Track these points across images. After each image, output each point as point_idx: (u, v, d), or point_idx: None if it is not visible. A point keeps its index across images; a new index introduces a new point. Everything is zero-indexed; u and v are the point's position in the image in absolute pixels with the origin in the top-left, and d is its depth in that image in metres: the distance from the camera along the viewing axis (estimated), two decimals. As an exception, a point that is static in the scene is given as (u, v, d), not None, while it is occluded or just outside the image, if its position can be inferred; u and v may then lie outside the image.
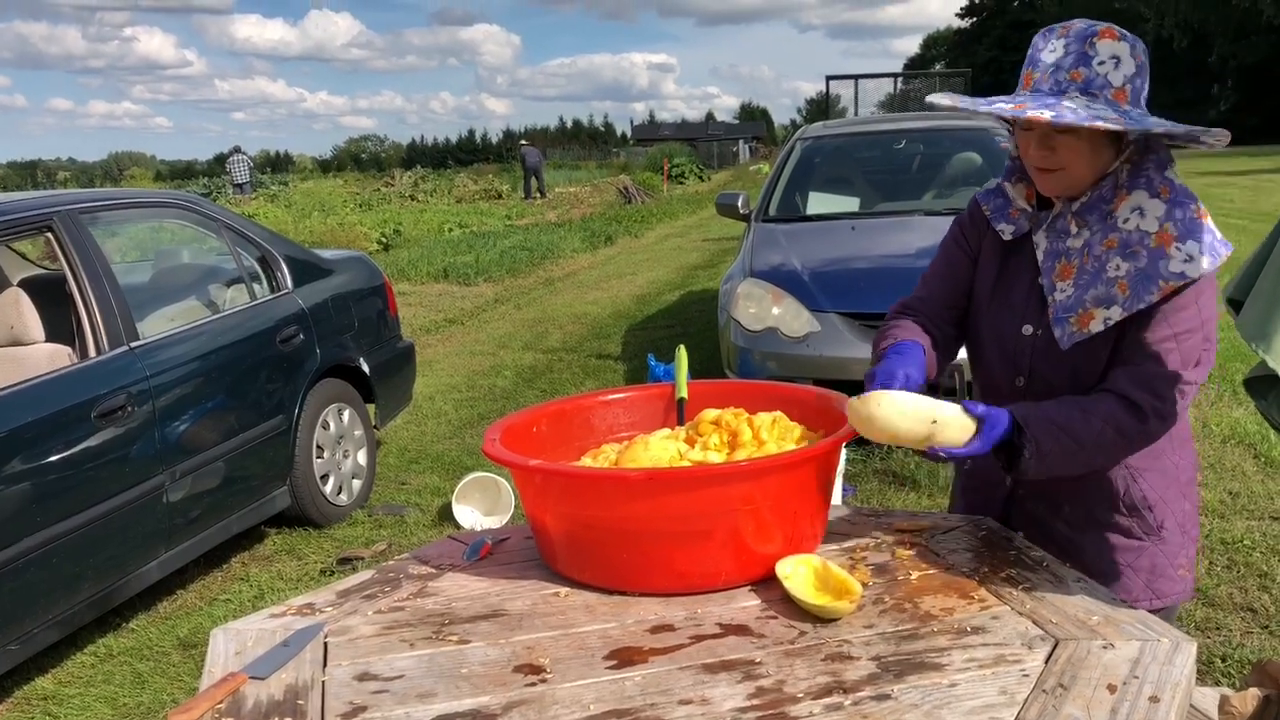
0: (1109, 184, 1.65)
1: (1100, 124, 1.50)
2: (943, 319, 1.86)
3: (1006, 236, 1.77)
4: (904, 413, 1.51)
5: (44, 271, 4.54)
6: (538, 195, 26.44)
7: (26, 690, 3.39)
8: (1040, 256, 1.73)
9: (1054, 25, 1.64)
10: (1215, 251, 1.59)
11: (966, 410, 1.56)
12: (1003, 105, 1.58)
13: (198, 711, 1.30)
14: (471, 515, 4.62)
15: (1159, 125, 1.53)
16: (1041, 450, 1.58)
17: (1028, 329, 1.74)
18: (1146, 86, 1.61)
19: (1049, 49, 1.60)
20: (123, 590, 3.57)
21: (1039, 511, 1.81)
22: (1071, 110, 1.52)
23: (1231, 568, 3.66)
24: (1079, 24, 1.60)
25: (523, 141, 30.86)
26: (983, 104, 1.59)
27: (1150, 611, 1.68)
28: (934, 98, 1.71)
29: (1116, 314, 1.62)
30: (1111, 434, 1.60)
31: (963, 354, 1.90)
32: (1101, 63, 1.56)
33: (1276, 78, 46.75)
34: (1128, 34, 1.59)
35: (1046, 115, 1.51)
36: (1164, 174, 1.64)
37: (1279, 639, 3.18)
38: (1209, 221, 1.61)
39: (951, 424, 1.53)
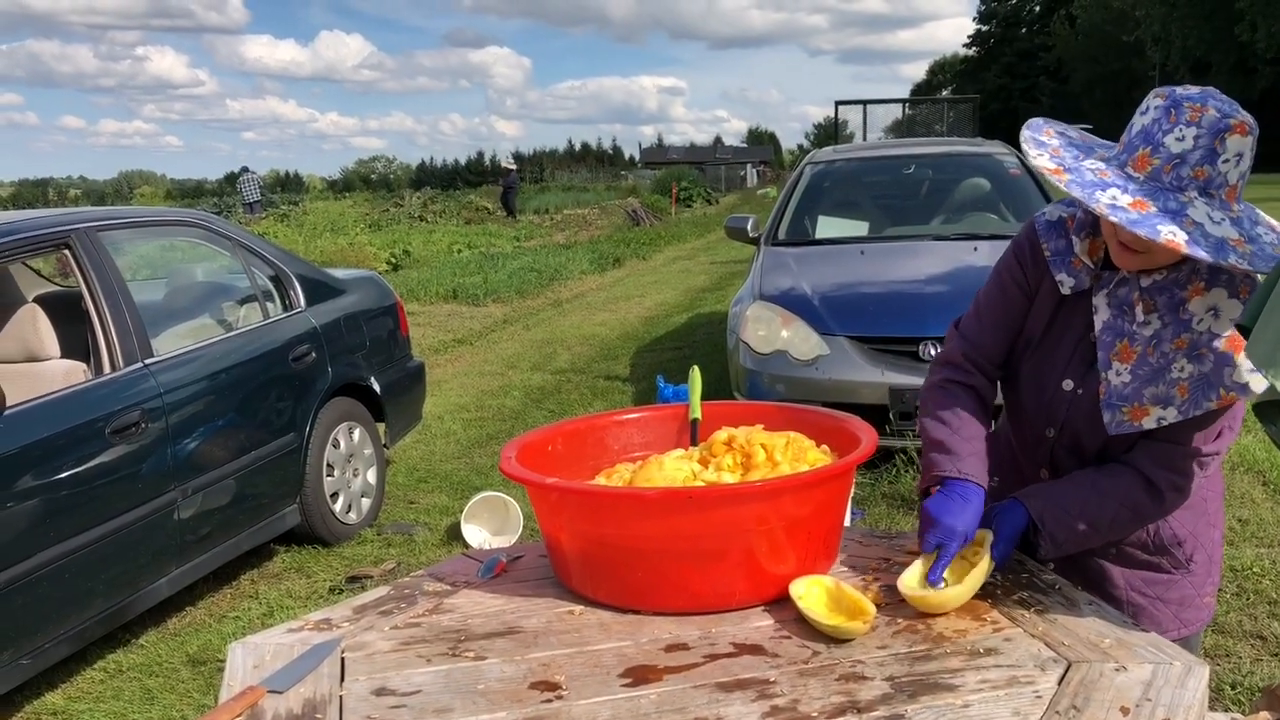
0: (1186, 270, 1.56)
1: (1235, 264, 1.40)
2: (997, 376, 1.82)
3: (1064, 290, 1.66)
4: (963, 596, 1.55)
5: (59, 288, 4.58)
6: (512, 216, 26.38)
7: (36, 705, 3.40)
8: (1098, 325, 1.64)
9: (1178, 97, 1.47)
10: None
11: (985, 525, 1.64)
12: (1120, 196, 1.45)
13: (217, 724, 1.32)
14: (480, 535, 4.63)
15: None
16: (1056, 540, 1.64)
17: (1068, 384, 1.70)
18: None
19: (1176, 135, 1.45)
20: (133, 606, 3.59)
21: None
22: (1200, 232, 1.42)
23: (1241, 595, 3.66)
24: (1211, 110, 1.44)
25: (512, 165, 30.53)
26: (1098, 192, 1.46)
27: (1177, 638, 1.69)
28: (1035, 155, 1.53)
29: (1171, 415, 1.58)
30: (1128, 515, 1.64)
31: None
32: (1226, 160, 1.45)
33: (1280, 106, 46.82)
34: (1251, 122, 1.46)
35: (1182, 244, 1.39)
36: None
37: (1289, 667, 3.17)
38: None
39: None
